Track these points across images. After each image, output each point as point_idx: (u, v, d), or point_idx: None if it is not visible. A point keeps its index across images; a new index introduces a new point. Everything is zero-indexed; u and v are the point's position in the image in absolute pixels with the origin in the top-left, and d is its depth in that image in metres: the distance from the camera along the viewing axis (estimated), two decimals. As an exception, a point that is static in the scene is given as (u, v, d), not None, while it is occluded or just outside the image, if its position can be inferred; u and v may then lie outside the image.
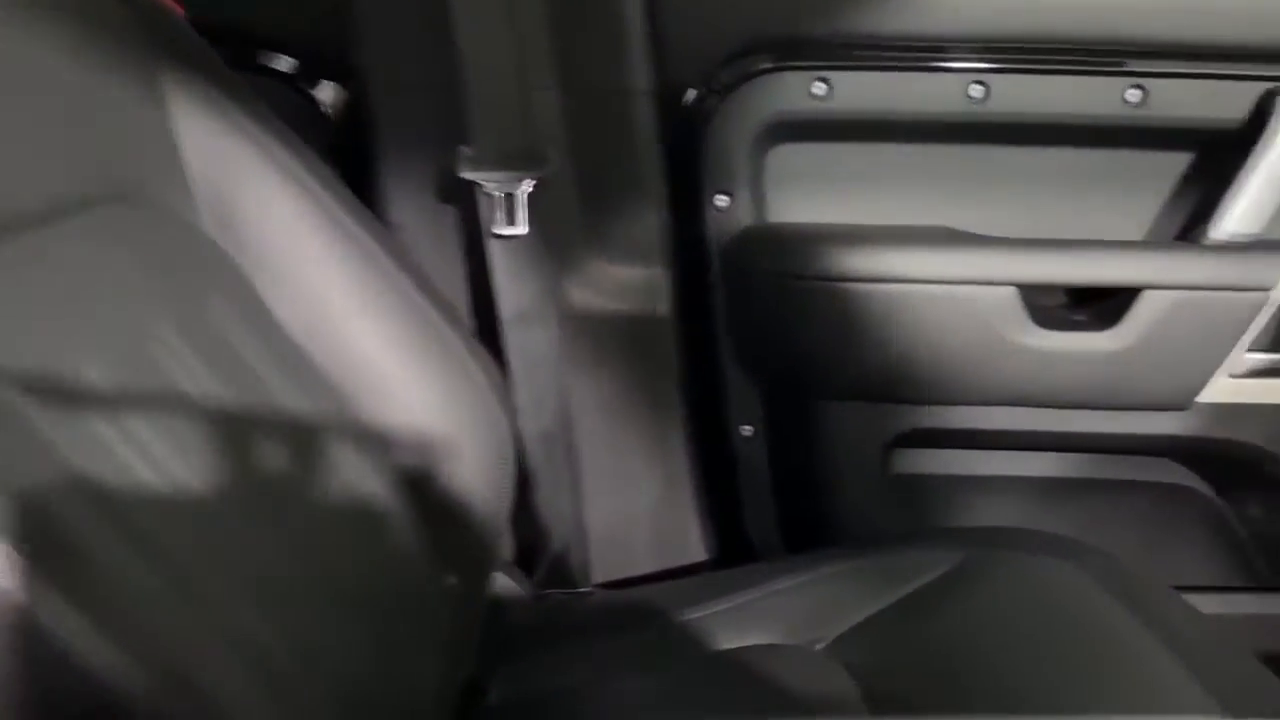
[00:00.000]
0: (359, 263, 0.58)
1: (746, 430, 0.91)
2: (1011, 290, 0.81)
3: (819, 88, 0.79)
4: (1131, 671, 0.57)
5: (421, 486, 0.58)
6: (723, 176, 0.83)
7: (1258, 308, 0.80)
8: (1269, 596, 0.92)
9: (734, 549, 0.95)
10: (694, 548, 0.96)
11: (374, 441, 0.57)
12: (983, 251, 0.82)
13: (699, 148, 0.82)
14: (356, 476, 0.54)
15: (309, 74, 0.85)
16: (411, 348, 0.59)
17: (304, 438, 0.52)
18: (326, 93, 0.86)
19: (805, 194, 0.87)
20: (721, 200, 0.84)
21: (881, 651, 0.65)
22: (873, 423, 0.88)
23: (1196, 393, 0.84)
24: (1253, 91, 0.79)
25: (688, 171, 0.84)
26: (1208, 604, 0.87)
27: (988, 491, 0.95)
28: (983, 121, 0.81)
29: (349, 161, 0.79)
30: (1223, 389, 0.84)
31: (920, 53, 0.79)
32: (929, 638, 0.64)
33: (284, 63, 0.85)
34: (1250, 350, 0.82)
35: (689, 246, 0.87)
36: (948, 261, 0.82)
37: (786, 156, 0.85)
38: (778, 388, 0.90)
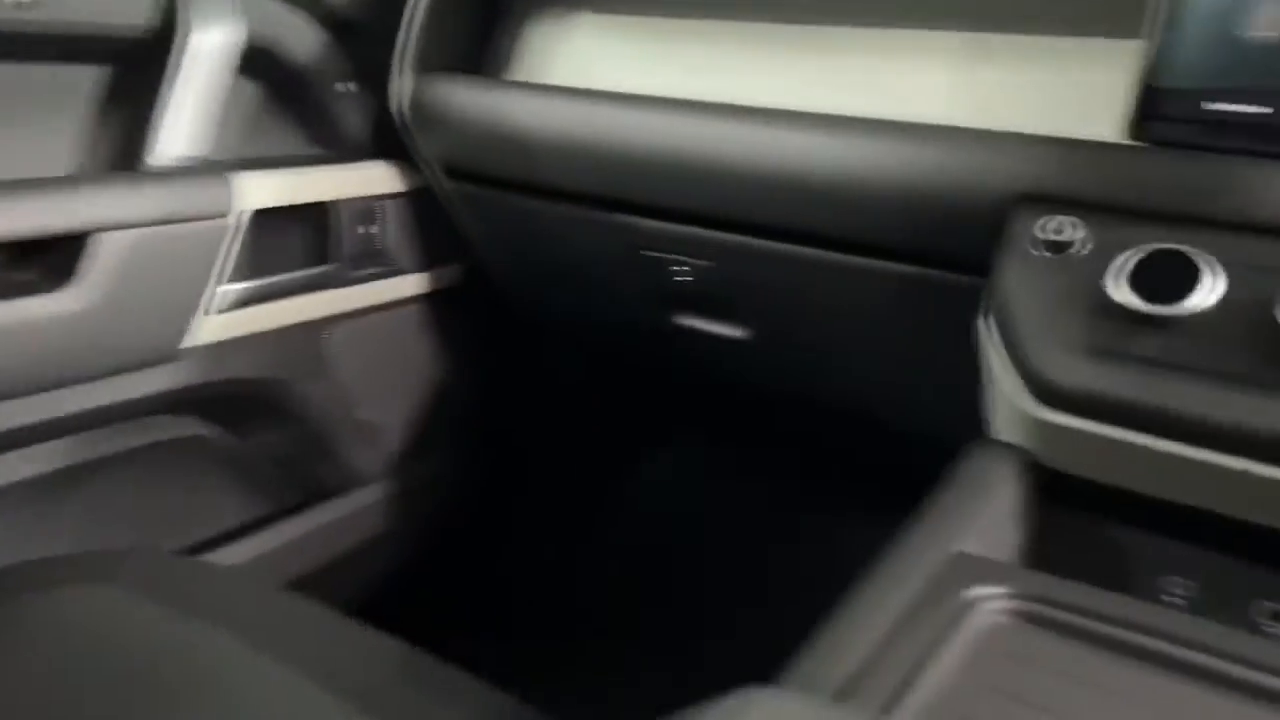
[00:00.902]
0: None
1: None
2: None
3: None
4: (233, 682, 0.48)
5: None
6: None
7: (221, 236, 0.75)
8: (294, 520, 0.93)
9: None
10: None
11: None
12: None
13: None
14: None
15: None
16: None
17: None
18: None
19: None
20: None
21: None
22: None
23: (181, 338, 0.77)
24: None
25: None
26: (244, 551, 0.84)
27: None
28: None
29: None
30: (208, 328, 0.79)
31: None
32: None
33: None
34: (226, 283, 0.79)
35: None
36: None
37: None
38: None
